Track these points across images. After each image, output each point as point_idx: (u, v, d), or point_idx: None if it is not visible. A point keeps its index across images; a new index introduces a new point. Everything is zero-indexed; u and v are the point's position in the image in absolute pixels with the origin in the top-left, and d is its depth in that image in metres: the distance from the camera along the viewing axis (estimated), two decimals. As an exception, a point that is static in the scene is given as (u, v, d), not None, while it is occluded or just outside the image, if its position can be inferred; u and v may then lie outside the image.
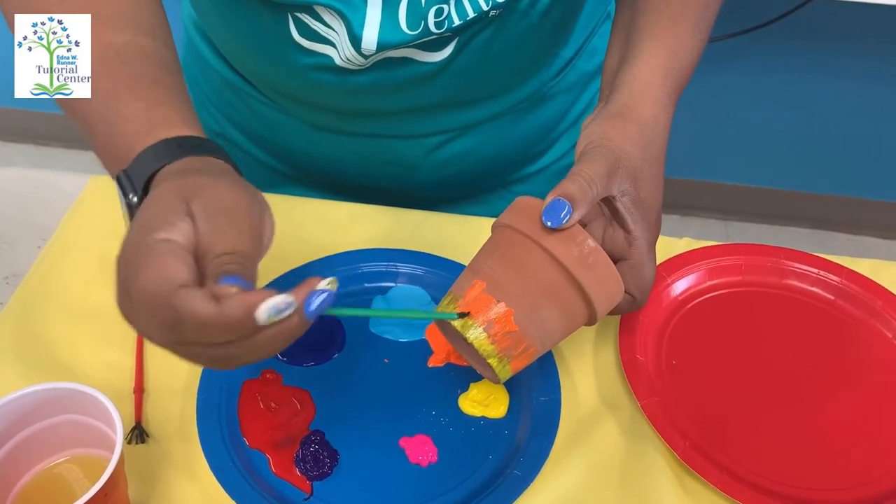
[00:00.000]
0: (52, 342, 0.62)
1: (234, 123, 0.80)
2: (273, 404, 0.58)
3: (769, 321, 0.66)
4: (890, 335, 0.65)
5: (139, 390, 0.59)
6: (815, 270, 0.68)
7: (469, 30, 0.62)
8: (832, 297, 0.67)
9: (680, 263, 0.68)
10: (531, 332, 0.51)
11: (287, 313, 0.39)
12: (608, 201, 0.53)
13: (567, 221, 0.49)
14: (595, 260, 0.50)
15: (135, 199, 0.47)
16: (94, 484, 0.45)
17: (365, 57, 0.62)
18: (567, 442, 0.58)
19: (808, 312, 0.67)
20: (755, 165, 1.87)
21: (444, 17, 0.59)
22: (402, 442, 0.57)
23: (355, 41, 0.60)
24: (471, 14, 0.60)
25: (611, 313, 0.55)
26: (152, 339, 0.42)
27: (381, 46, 0.60)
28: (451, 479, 0.55)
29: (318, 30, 0.62)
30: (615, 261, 0.53)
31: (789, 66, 1.66)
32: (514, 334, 0.51)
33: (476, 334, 0.50)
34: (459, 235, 0.71)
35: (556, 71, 0.76)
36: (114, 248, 0.67)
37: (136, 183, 0.47)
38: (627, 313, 0.61)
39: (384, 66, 0.64)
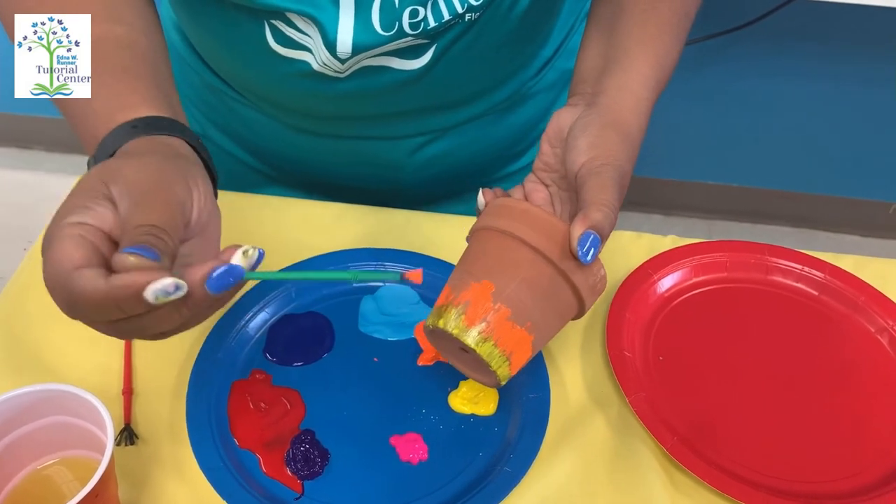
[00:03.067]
0: (39, 345, 0.62)
1: (217, 125, 0.80)
2: (263, 404, 0.58)
3: (754, 317, 0.67)
4: (873, 329, 0.66)
5: (128, 392, 0.59)
6: (800, 266, 0.69)
7: (447, 35, 0.63)
8: (816, 293, 0.68)
9: (666, 261, 0.68)
10: (528, 330, 0.51)
11: (176, 295, 0.39)
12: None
13: (593, 257, 0.48)
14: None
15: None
16: (84, 486, 0.44)
17: (342, 61, 0.62)
18: (556, 438, 0.58)
19: (793, 308, 0.67)
20: (737, 165, 1.88)
21: (419, 19, 0.59)
22: (393, 440, 0.57)
23: (330, 46, 0.60)
24: (446, 16, 0.60)
25: None
26: (75, 317, 0.42)
27: (357, 49, 0.60)
28: (441, 476, 0.55)
29: (294, 36, 0.62)
30: None
31: (769, 66, 1.67)
32: (513, 333, 0.50)
33: (474, 336, 0.50)
34: (446, 234, 0.71)
35: (536, 71, 0.76)
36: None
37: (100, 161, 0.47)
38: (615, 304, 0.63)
39: (363, 74, 0.64)
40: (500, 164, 0.82)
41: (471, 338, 0.50)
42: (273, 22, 0.61)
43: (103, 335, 0.61)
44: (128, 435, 0.56)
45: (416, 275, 0.48)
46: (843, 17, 1.48)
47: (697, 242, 0.70)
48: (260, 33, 0.62)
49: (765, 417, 0.60)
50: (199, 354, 0.60)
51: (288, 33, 0.62)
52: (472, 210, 0.74)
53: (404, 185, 0.78)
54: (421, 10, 0.59)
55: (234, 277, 0.41)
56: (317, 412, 0.58)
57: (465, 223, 0.72)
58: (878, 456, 0.58)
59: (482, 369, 0.52)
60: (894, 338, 0.64)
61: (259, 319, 0.63)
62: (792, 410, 0.60)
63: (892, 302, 0.66)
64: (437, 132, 0.74)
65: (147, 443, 0.57)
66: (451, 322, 0.50)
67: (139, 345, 0.62)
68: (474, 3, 0.60)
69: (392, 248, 0.69)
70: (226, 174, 0.86)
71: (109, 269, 0.40)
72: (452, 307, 0.51)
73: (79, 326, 0.62)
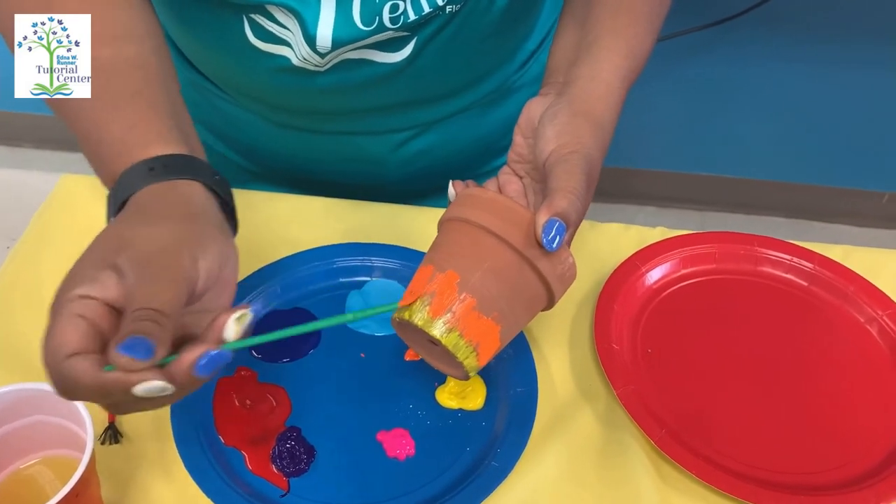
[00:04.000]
0: (23, 342, 0.61)
1: (201, 121, 0.80)
2: (248, 401, 0.58)
3: (744, 308, 0.66)
4: (862, 319, 0.65)
5: (112, 390, 0.58)
6: (789, 257, 0.69)
7: (427, 28, 0.62)
8: (805, 284, 0.68)
9: (654, 252, 0.68)
10: (495, 320, 0.50)
11: (164, 393, 0.40)
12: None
13: (558, 245, 0.47)
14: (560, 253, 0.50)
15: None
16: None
17: (321, 55, 0.61)
18: (544, 432, 0.58)
19: (783, 299, 0.67)
20: (730, 156, 1.88)
21: (399, 13, 0.59)
22: (380, 436, 0.57)
23: (310, 39, 0.60)
24: (426, 9, 0.59)
25: None
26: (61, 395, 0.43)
27: (337, 43, 0.60)
28: (429, 471, 0.55)
29: (273, 30, 0.61)
30: None
31: (760, 56, 1.67)
32: (480, 323, 0.49)
33: (440, 328, 0.49)
34: (433, 229, 0.70)
35: (520, 65, 0.76)
36: (84, 248, 0.67)
37: (110, 212, 0.48)
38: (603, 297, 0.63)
39: (343, 67, 0.63)
40: (486, 159, 0.82)
41: (436, 329, 0.49)
42: (252, 16, 0.61)
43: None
44: (112, 433, 0.56)
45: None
46: (833, 5, 1.47)
47: (686, 234, 0.70)
48: (239, 28, 0.62)
49: (753, 409, 0.59)
50: (184, 352, 0.59)
51: (268, 27, 0.61)
52: None
53: (389, 181, 0.78)
54: (401, 3, 0.58)
55: (221, 361, 0.42)
56: (303, 409, 0.58)
57: (452, 217, 0.72)
58: (868, 446, 0.58)
59: (451, 361, 0.51)
60: (883, 328, 0.64)
61: (244, 316, 0.63)
62: (781, 402, 0.60)
63: (881, 292, 0.66)
64: (420, 126, 0.74)
65: (132, 441, 0.56)
66: (417, 314, 0.49)
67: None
68: None
69: (379, 242, 0.68)
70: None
71: (105, 346, 0.40)
72: (418, 299, 0.50)
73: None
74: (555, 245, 0.47)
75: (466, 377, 0.52)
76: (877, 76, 1.67)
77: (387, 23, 0.59)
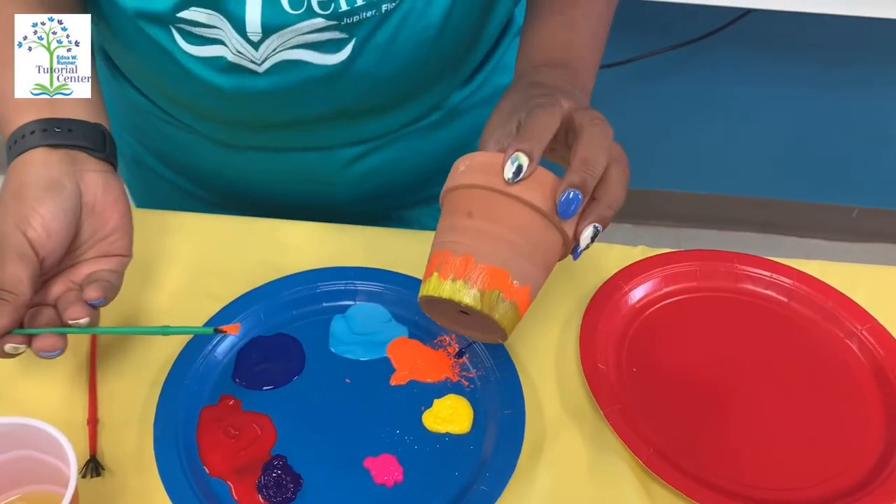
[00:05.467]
0: (1, 375, 0.60)
1: (149, 149, 0.79)
2: (233, 430, 0.57)
3: (726, 325, 0.67)
4: (842, 334, 0.66)
5: (93, 421, 0.57)
6: (768, 274, 0.69)
7: (363, 27, 0.62)
8: (785, 300, 0.69)
9: (636, 271, 0.68)
10: (515, 270, 0.50)
11: None
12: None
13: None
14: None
15: None
16: (47, 522, 0.43)
17: (254, 45, 0.61)
18: (532, 454, 0.57)
19: (763, 315, 0.68)
20: (704, 173, 1.90)
21: None
22: (367, 462, 0.56)
23: (239, 27, 0.60)
24: (360, 2, 0.59)
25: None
26: None
27: (267, 29, 0.60)
28: (417, 498, 0.55)
29: (203, 33, 0.61)
30: None
31: (733, 74, 1.69)
32: (500, 275, 0.50)
33: (466, 291, 0.50)
34: (416, 251, 0.70)
35: (465, 78, 0.76)
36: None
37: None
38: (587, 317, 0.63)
39: (281, 69, 0.63)
40: (437, 181, 0.81)
41: (470, 297, 0.50)
42: (180, 25, 0.61)
43: (66, 365, 0.60)
44: (93, 467, 0.55)
45: (232, 328, 0.56)
46: (804, 25, 1.50)
47: (667, 252, 0.70)
48: (169, 39, 0.62)
49: (739, 426, 0.60)
50: (166, 381, 0.59)
51: (197, 32, 0.61)
52: (413, 229, 0.74)
53: (340, 202, 0.78)
54: None
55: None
56: (288, 436, 0.57)
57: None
58: (852, 461, 0.58)
59: (486, 326, 0.52)
60: (863, 342, 0.65)
61: (227, 343, 0.62)
62: (765, 418, 0.60)
63: (859, 306, 0.67)
64: (367, 142, 0.73)
65: (114, 474, 0.55)
66: (447, 287, 0.50)
67: (105, 373, 0.61)
68: None
69: (362, 266, 0.68)
70: (161, 199, 0.84)
71: None
72: (446, 272, 0.50)
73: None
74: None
75: (505, 337, 0.53)
76: (847, 92, 1.70)
77: (316, 7, 0.59)
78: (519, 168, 0.50)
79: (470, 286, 0.50)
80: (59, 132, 0.55)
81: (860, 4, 1.33)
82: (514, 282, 0.50)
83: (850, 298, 0.67)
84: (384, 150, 0.75)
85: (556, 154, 0.55)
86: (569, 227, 0.51)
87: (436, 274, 0.51)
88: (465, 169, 0.53)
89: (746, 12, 1.50)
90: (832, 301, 0.67)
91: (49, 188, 0.53)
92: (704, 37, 1.56)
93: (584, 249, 0.52)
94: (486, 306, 0.50)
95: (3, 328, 0.49)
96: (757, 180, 1.91)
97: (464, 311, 0.51)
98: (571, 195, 0.49)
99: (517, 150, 0.50)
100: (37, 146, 0.54)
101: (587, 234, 0.51)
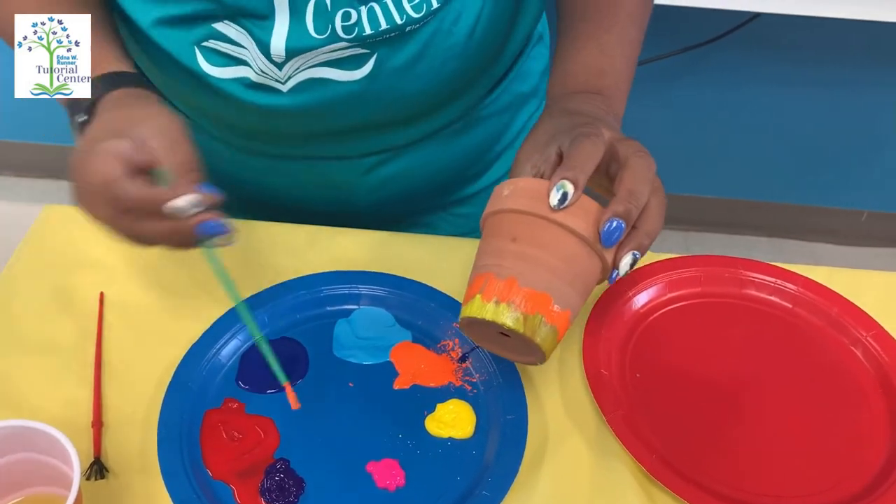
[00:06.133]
0: (5, 378, 0.61)
1: None
2: (236, 433, 0.57)
3: (730, 331, 0.67)
4: (847, 341, 0.66)
5: (97, 424, 0.58)
6: (773, 280, 0.69)
7: (385, 45, 0.62)
8: (790, 306, 0.68)
9: (640, 277, 0.68)
10: (557, 295, 0.52)
11: (194, 210, 0.53)
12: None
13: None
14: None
15: (84, 118, 0.58)
16: (50, 524, 0.43)
17: (278, 66, 0.62)
18: (534, 460, 0.57)
19: (768, 321, 0.68)
20: (713, 176, 1.90)
21: (352, 22, 0.59)
22: (369, 467, 0.56)
23: (265, 49, 0.60)
24: (383, 25, 0.60)
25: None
26: (100, 218, 0.54)
27: (291, 52, 0.60)
28: (419, 502, 0.55)
29: (228, 51, 0.62)
30: None
31: (742, 78, 1.69)
32: (542, 300, 0.52)
33: (509, 313, 0.51)
34: (420, 255, 0.71)
35: (487, 90, 0.76)
36: (68, 280, 0.67)
37: (84, 106, 0.58)
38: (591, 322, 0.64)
39: (304, 87, 0.64)
40: (456, 187, 0.82)
41: (509, 318, 0.51)
42: (205, 44, 0.62)
43: (70, 367, 0.61)
44: (97, 469, 0.55)
45: (293, 400, 0.58)
46: (813, 29, 1.50)
47: (672, 258, 0.70)
48: (192, 58, 0.63)
49: (742, 433, 0.60)
50: (171, 384, 0.59)
51: (222, 49, 0.62)
52: (430, 234, 0.74)
53: (358, 207, 0.78)
54: (353, 12, 0.59)
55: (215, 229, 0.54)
56: (291, 440, 0.57)
57: (441, 243, 0.72)
58: (856, 468, 0.58)
59: (526, 349, 0.54)
60: (868, 349, 0.65)
61: (231, 347, 0.62)
62: (769, 424, 0.60)
63: (865, 313, 0.66)
64: (388, 151, 0.73)
65: (117, 476, 0.56)
66: (490, 308, 0.52)
67: (109, 375, 0.61)
68: (414, 16, 0.60)
69: (367, 270, 0.68)
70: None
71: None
72: (489, 294, 0.52)
73: (46, 357, 0.62)
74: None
75: (544, 360, 0.54)
76: (856, 96, 1.69)
77: (340, 32, 0.59)
78: (564, 195, 0.51)
79: (513, 309, 0.51)
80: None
81: (870, 8, 1.33)
82: (556, 306, 0.52)
83: (855, 305, 0.67)
84: (404, 157, 0.75)
85: (593, 181, 0.56)
86: (608, 254, 0.53)
87: (479, 296, 0.53)
88: (510, 194, 0.54)
89: (755, 16, 1.49)
90: (837, 307, 0.67)
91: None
92: (713, 40, 1.56)
93: (622, 276, 0.54)
94: (528, 329, 0.51)
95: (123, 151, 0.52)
96: (766, 184, 1.90)
97: (504, 332, 0.53)
98: (615, 224, 0.52)
99: (563, 178, 0.52)
100: (144, 88, 0.60)
101: (626, 261, 0.54)
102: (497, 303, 0.52)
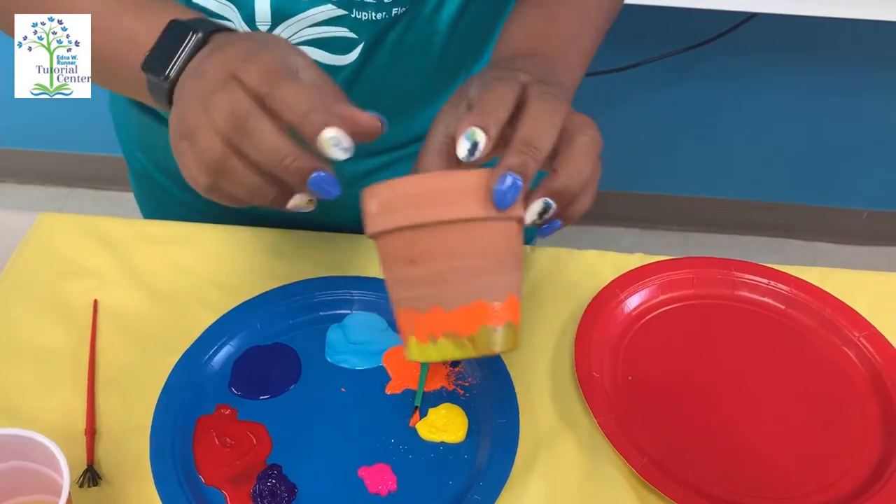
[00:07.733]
0: (1, 385, 0.61)
1: (158, 165, 0.80)
2: (228, 439, 0.57)
3: (723, 333, 0.67)
4: (839, 342, 0.66)
5: (90, 431, 0.58)
6: (766, 281, 0.69)
7: (373, 29, 0.62)
8: (783, 307, 0.68)
9: (632, 279, 0.68)
10: (490, 294, 0.46)
11: (340, 146, 0.44)
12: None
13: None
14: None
15: (199, 35, 0.49)
16: (40, 532, 0.43)
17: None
18: (526, 463, 0.57)
19: (761, 323, 0.68)
20: (712, 176, 1.90)
21: None
22: (361, 472, 0.56)
23: (249, 17, 0.59)
24: None
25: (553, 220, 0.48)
26: (204, 159, 0.47)
27: (277, 15, 0.59)
28: (411, 507, 0.55)
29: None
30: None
31: (739, 78, 1.69)
32: (478, 310, 0.45)
33: (452, 346, 0.45)
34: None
35: None
36: (62, 288, 0.67)
37: (197, 27, 0.49)
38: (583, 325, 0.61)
39: None
40: None
41: (460, 351, 0.46)
42: None
43: (64, 375, 0.61)
44: (90, 476, 0.55)
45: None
46: (809, 28, 1.50)
47: (664, 260, 0.70)
48: None
49: (735, 434, 0.60)
50: (163, 391, 0.59)
51: None
52: None
53: (344, 221, 0.77)
54: None
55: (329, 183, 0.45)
56: (283, 446, 0.57)
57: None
58: (848, 469, 0.58)
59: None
60: (861, 350, 0.65)
61: (224, 353, 0.63)
62: (761, 426, 0.60)
63: (857, 314, 0.66)
64: (378, 155, 0.73)
65: (110, 483, 0.56)
66: (431, 350, 0.46)
67: (102, 383, 0.61)
68: None
69: (360, 275, 0.68)
70: (167, 213, 0.84)
71: None
72: (422, 334, 0.46)
73: (40, 366, 0.62)
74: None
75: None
76: (855, 95, 1.69)
77: None
78: (475, 145, 0.44)
79: (453, 339, 0.45)
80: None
81: (865, 7, 1.33)
82: (496, 304, 0.45)
83: (848, 305, 0.67)
84: (392, 170, 0.75)
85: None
86: (523, 210, 0.46)
87: (412, 338, 0.47)
88: (379, 210, 0.46)
89: (751, 16, 1.50)
90: (830, 308, 0.67)
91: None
92: (709, 41, 1.56)
93: (551, 231, 0.47)
94: (480, 348, 0.46)
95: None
96: (765, 184, 1.90)
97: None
98: (509, 181, 0.43)
99: (470, 125, 0.44)
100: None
101: (534, 209, 0.46)
102: (434, 340, 0.46)
